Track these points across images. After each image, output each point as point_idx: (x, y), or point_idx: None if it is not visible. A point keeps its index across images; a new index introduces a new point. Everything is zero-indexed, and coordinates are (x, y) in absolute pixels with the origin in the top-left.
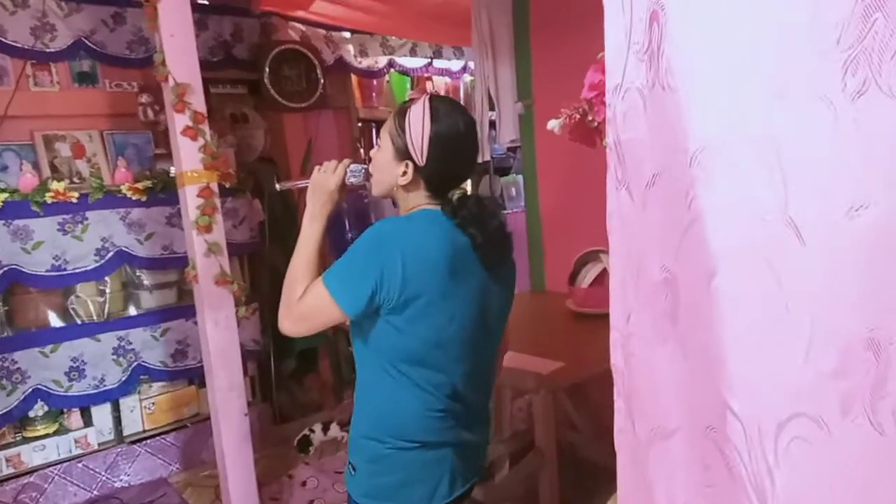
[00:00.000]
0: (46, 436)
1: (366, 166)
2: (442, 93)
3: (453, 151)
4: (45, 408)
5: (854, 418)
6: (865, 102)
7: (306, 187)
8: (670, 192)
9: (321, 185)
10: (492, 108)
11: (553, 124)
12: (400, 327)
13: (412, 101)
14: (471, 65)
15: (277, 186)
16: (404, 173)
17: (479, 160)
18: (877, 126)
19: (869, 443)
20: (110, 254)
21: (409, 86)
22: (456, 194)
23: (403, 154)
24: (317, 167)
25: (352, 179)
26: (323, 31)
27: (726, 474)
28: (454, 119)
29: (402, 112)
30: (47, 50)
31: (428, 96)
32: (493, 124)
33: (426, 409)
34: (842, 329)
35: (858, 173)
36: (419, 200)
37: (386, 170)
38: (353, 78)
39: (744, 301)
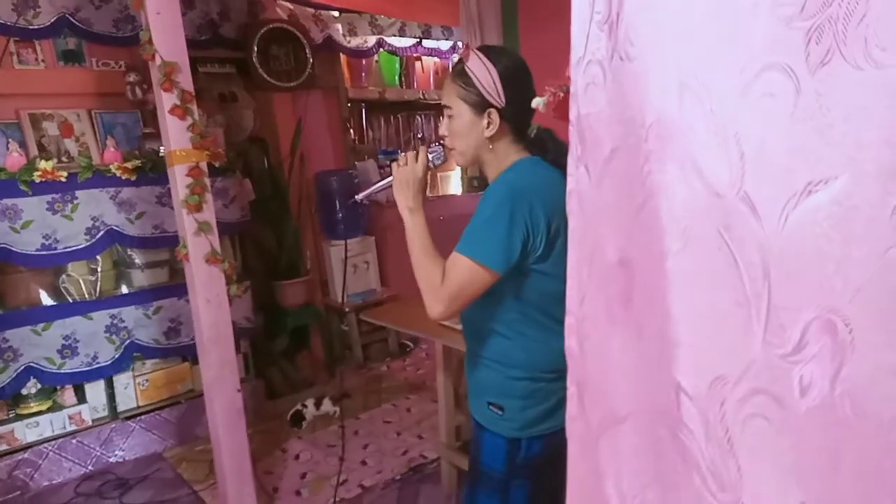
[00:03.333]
0: (40, 413)
1: (441, 144)
2: (431, 73)
3: (522, 82)
4: (38, 385)
5: (812, 399)
6: (828, 73)
7: (388, 188)
8: (627, 167)
9: (409, 178)
10: None
11: (538, 102)
12: (548, 272)
13: (462, 59)
14: (459, 44)
15: (357, 198)
16: (489, 124)
17: None
18: (839, 98)
19: (826, 425)
20: (101, 233)
21: (398, 65)
22: (532, 133)
23: (482, 105)
24: (394, 164)
25: (436, 162)
26: (311, 10)
27: (680, 461)
28: (508, 54)
29: (460, 72)
30: (30, 27)
31: (474, 48)
32: None
33: (563, 342)
34: (800, 310)
35: (818, 148)
36: (508, 150)
37: (468, 132)
38: (343, 57)
39: (700, 280)
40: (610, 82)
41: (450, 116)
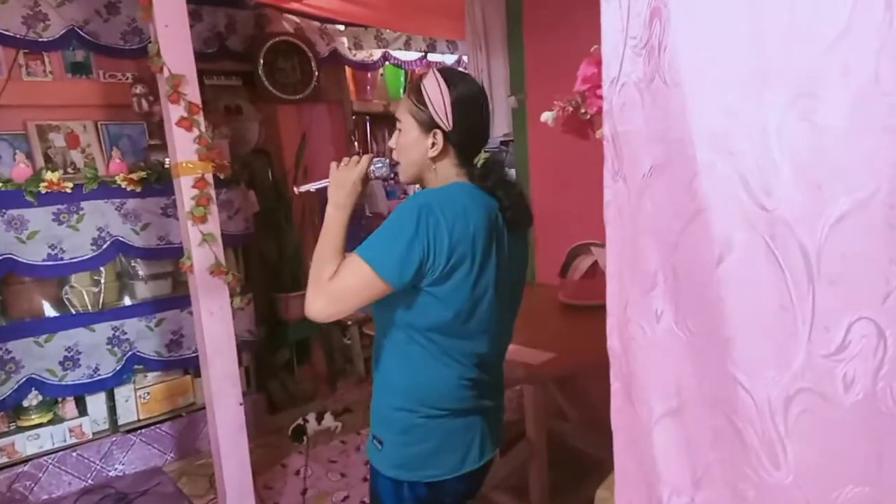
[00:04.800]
0: (40, 425)
1: (388, 158)
2: None
3: (475, 111)
4: (40, 397)
5: (855, 395)
6: (862, 97)
7: (326, 187)
8: (672, 182)
9: (343, 179)
10: None
11: (546, 116)
12: (440, 297)
13: (421, 76)
14: (465, 59)
15: (296, 189)
16: (433, 144)
17: None
18: (869, 120)
19: (868, 418)
20: (106, 244)
21: (402, 79)
22: (480, 160)
23: (429, 125)
24: (334, 163)
25: (377, 173)
26: (317, 24)
27: (738, 443)
28: (467, 81)
29: (415, 88)
30: (40, 39)
31: (435, 67)
32: None
33: (457, 378)
34: (841, 314)
35: (851, 166)
36: (449, 173)
37: (413, 148)
38: (348, 70)
39: (750, 286)
40: (648, 104)
41: (399, 130)
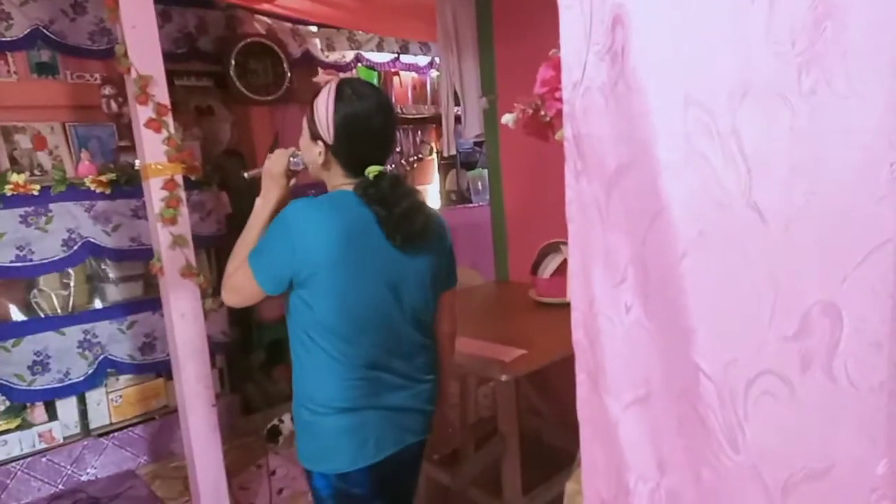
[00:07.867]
0: (8, 431)
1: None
2: (409, 88)
3: (360, 130)
4: (7, 402)
5: (813, 374)
6: (818, 101)
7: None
8: (638, 182)
9: (268, 171)
10: (457, 103)
11: (507, 119)
12: (307, 300)
13: (326, 83)
14: (437, 60)
15: (245, 175)
16: (319, 153)
17: (446, 154)
18: (828, 121)
19: (825, 395)
20: (77, 244)
21: (376, 80)
22: (373, 173)
23: (315, 135)
24: (269, 155)
25: (297, 167)
26: (289, 25)
27: (701, 429)
28: (361, 99)
29: (315, 95)
30: (3, 39)
31: (338, 79)
32: (458, 119)
33: (339, 378)
34: (801, 298)
35: (812, 163)
36: (337, 181)
37: (306, 152)
38: (321, 72)
39: (713, 278)
40: (613, 107)
41: (304, 128)
